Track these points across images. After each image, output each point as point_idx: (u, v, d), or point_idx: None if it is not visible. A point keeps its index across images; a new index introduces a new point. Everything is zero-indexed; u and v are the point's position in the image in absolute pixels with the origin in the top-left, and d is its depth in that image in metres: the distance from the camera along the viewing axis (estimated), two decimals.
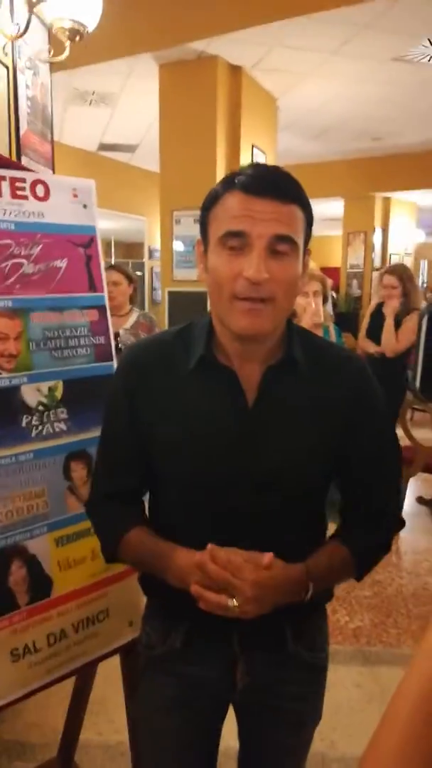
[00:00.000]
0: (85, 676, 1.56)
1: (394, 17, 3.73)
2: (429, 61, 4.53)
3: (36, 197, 1.25)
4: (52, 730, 1.99)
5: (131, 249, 8.61)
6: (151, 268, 8.26)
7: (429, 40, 4.17)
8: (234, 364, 0.91)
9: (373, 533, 1.00)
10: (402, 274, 3.72)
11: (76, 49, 2.07)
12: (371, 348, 3.72)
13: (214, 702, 1.05)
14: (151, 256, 8.30)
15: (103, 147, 6.98)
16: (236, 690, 1.00)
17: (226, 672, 0.99)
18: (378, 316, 3.77)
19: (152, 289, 8.15)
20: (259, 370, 0.91)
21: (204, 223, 0.89)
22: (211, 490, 0.91)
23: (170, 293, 4.63)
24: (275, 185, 0.83)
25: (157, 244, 7.57)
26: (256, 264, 0.81)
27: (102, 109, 5.59)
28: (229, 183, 0.85)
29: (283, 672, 1.00)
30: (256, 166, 0.87)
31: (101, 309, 1.37)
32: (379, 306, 3.78)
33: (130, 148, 7.04)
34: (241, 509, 0.91)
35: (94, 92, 5.13)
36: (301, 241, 0.86)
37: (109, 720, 2.09)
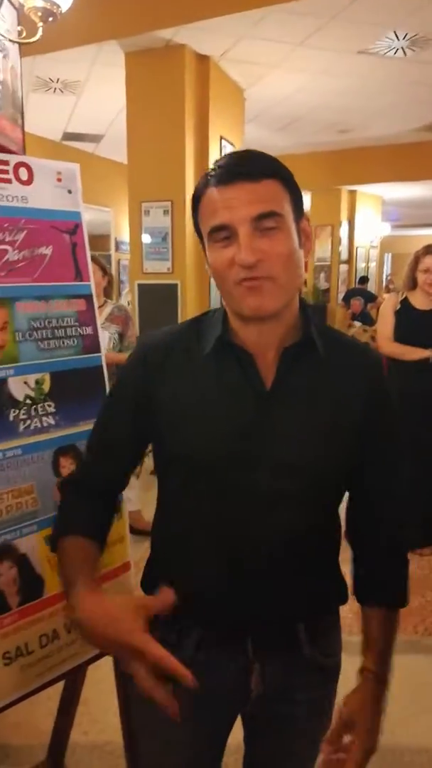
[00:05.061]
0: (75, 679, 1.52)
1: (359, 9, 3.74)
2: (394, 54, 4.57)
3: (19, 181, 1.19)
4: (35, 731, 1.93)
5: (97, 241, 8.43)
6: (119, 261, 8.13)
7: (394, 32, 4.21)
8: (250, 350, 0.90)
9: (394, 566, 1.00)
10: None
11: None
12: (419, 353, 2.88)
13: (226, 714, 1.02)
14: (117, 248, 8.16)
15: (68, 136, 6.83)
16: (250, 700, 0.97)
17: (241, 681, 0.96)
18: (407, 313, 3.01)
19: (119, 282, 8.03)
20: (277, 354, 0.90)
21: (196, 224, 0.91)
22: (222, 471, 0.89)
23: (140, 286, 4.58)
24: (242, 167, 0.84)
25: (124, 236, 7.46)
26: (243, 249, 0.82)
27: (66, 97, 5.46)
28: (205, 181, 0.87)
29: (297, 678, 0.97)
30: (227, 157, 0.88)
31: (88, 298, 1.32)
32: (405, 301, 3.04)
33: (95, 138, 6.91)
34: (253, 493, 0.89)
35: (57, 80, 5.00)
36: (287, 212, 0.85)
37: (93, 720, 2.05)
